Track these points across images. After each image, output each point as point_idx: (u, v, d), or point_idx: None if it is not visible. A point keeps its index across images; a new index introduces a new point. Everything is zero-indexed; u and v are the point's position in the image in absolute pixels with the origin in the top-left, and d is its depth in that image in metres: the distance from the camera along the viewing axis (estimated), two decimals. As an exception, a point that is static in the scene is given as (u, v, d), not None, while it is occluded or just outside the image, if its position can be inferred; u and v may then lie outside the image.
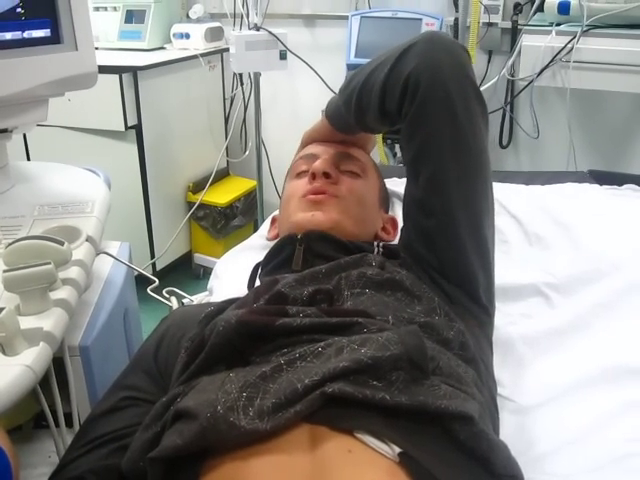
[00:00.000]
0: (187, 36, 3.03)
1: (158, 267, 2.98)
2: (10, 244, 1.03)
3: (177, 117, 3.01)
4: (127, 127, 2.73)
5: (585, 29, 2.20)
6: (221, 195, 3.16)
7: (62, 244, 1.04)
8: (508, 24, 2.64)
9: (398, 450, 0.74)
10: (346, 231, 1.18)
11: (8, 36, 1.16)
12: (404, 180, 1.12)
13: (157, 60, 2.84)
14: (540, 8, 2.37)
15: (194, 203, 3.09)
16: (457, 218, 1.03)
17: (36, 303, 0.99)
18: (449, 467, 0.76)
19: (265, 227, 1.52)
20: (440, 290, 1.03)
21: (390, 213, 1.42)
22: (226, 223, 3.14)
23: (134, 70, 2.68)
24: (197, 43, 3.03)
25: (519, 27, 2.56)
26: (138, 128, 2.77)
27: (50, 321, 0.98)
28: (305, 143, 1.36)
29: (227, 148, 3.35)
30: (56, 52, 1.20)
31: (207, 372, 0.90)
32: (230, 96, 3.34)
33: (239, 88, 3.29)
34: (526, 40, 2.35)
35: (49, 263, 0.98)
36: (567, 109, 2.41)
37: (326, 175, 1.22)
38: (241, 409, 0.78)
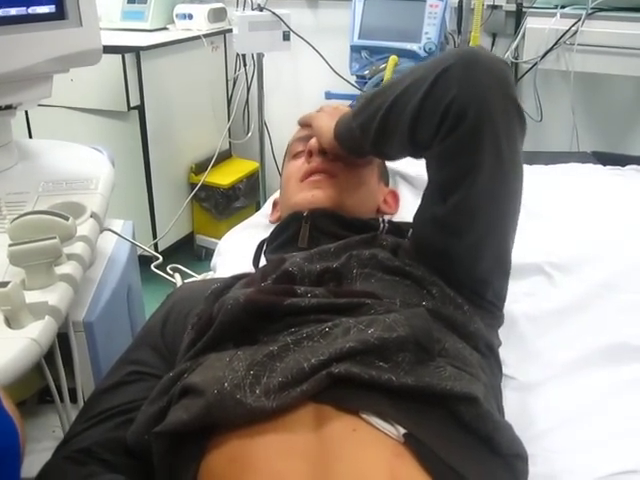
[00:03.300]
0: (190, 17, 3.01)
1: (160, 248, 2.98)
2: (15, 219, 1.03)
3: (180, 98, 3.00)
4: (130, 107, 2.73)
5: (590, 12, 2.20)
6: (223, 176, 3.15)
7: (67, 219, 1.04)
8: (512, 7, 2.63)
9: (403, 431, 0.75)
10: (348, 207, 1.18)
11: (13, 12, 1.15)
12: (408, 160, 1.11)
13: (160, 40, 2.83)
14: (545, -10, 2.37)
15: (196, 184, 3.08)
16: (484, 238, 0.99)
17: (41, 277, 1.00)
18: (454, 448, 0.77)
19: (268, 206, 1.52)
20: (450, 287, 1.00)
21: (391, 186, 1.42)
22: (228, 204, 3.14)
23: (137, 50, 2.67)
24: (200, 24, 3.01)
25: (523, 10, 2.55)
26: (141, 109, 2.76)
27: (55, 295, 0.99)
28: (306, 124, 1.31)
29: (229, 129, 3.34)
30: (61, 28, 1.20)
31: (215, 349, 0.91)
32: (233, 77, 3.33)
33: (242, 69, 3.28)
34: (530, 23, 2.35)
35: (54, 238, 0.98)
36: (571, 92, 2.41)
37: (323, 152, 1.21)
38: (248, 387, 0.79)
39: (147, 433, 0.87)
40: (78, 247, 1.08)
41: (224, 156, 3.31)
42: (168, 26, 3.10)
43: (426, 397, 0.79)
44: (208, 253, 3.17)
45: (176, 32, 3.03)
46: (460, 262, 1.01)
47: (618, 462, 0.96)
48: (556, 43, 2.28)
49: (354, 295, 0.93)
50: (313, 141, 1.22)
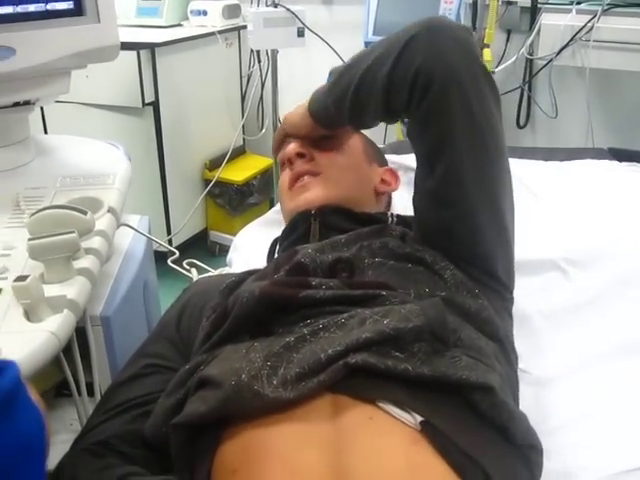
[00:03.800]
0: (204, 13, 3.03)
1: (174, 244, 2.99)
2: (34, 213, 1.04)
3: (194, 94, 3.01)
4: (144, 104, 2.74)
5: (606, 8, 2.21)
6: (237, 173, 3.16)
7: (85, 214, 1.05)
8: (528, 2, 2.62)
9: (420, 418, 0.76)
10: (342, 198, 1.19)
11: (31, 8, 1.17)
12: None
13: (174, 37, 2.85)
14: (560, -14, 2.37)
15: (210, 180, 3.09)
16: (476, 204, 1.01)
17: (60, 271, 1.01)
18: (470, 436, 0.78)
19: (280, 206, 1.53)
20: (460, 269, 1.01)
21: (404, 182, 1.41)
22: (242, 200, 3.15)
23: (152, 47, 2.69)
24: (214, 20, 3.03)
25: (539, 6, 2.54)
26: (155, 105, 2.78)
27: (73, 289, 1.00)
28: (283, 134, 1.29)
29: (243, 126, 3.35)
30: (79, 24, 1.21)
31: (230, 342, 0.91)
32: (247, 74, 3.34)
33: (256, 66, 3.29)
34: (546, 19, 2.35)
35: (73, 232, 0.99)
36: (586, 88, 2.41)
37: (301, 155, 1.23)
38: (265, 378, 0.80)
39: (164, 425, 0.88)
40: (96, 242, 1.09)
41: (238, 152, 3.32)
42: (182, 22, 3.12)
43: (442, 386, 0.79)
44: (222, 249, 3.18)
45: (190, 28, 3.05)
46: (459, 235, 1.02)
47: (632, 459, 0.97)
48: (571, 39, 2.28)
49: (369, 287, 0.94)
50: (289, 148, 1.24)
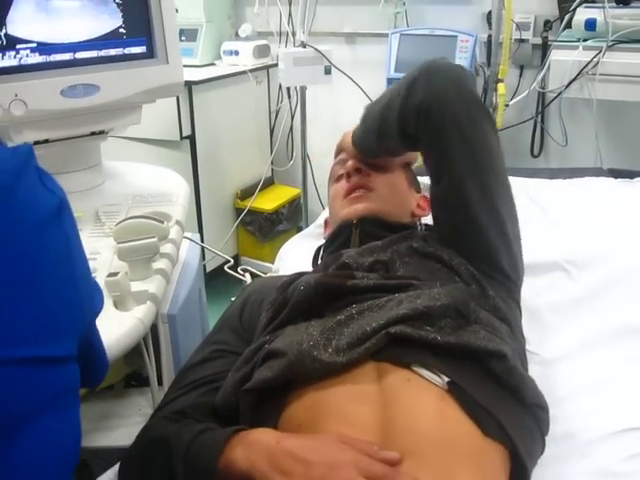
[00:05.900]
0: (236, 53, 3.22)
1: (208, 268, 3.14)
2: (119, 222, 1.23)
3: (227, 128, 3.19)
4: (182, 137, 2.93)
5: (610, 44, 2.32)
6: (267, 202, 3.33)
7: (162, 223, 1.24)
8: (538, 40, 2.79)
9: (447, 379, 0.94)
10: (386, 213, 1.38)
11: (112, 52, 1.37)
12: None
13: (209, 75, 3.04)
14: (568, 25, 2.52)
15: (241, 209, 3.26)
16: (477, 209, 1.19)
17: (142, 270, 1.19)
18: (487, 394, 0.95)
19: (321, 218, 1.73)
20: (472, 265, 1.19)
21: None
22: (271, 228, 3.31)
23: (189, 84, 2.87)
24: (246, 59, 3.21)
25: (549, 43, 2.70)
26: (192, 138, 2.96)
27: (153, 285, 1.18)
28: (340, 148, 1.53)
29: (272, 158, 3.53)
30: (150, 65, 1.41)
31: (290, 324, 1.09)
32: (275, 109, 3.53)
33: (285, 101, 3.46)
34: (555, 55, 2.48)
35: (154, 237, 1.18)
36: (594, 119, 2.55)
37: (358, 170, 1.42)
38: (322, 347, 0.98)
39: (234, 395, 1.04)
40: (168, 247, 1.27)
41: (267, 183, 3.49)
42: (216, 62, 3.31)
43: (464, 354, 0.97)
44: (252, 274, 3.33)
45: (223, 67, 3.23)
46: (467, 235, 1.21)
47: (625, 421, 1.14)
48: (579, 73, 2.39)
49: (402, 278, 1.13)
50: (349, 164, 1.44)
